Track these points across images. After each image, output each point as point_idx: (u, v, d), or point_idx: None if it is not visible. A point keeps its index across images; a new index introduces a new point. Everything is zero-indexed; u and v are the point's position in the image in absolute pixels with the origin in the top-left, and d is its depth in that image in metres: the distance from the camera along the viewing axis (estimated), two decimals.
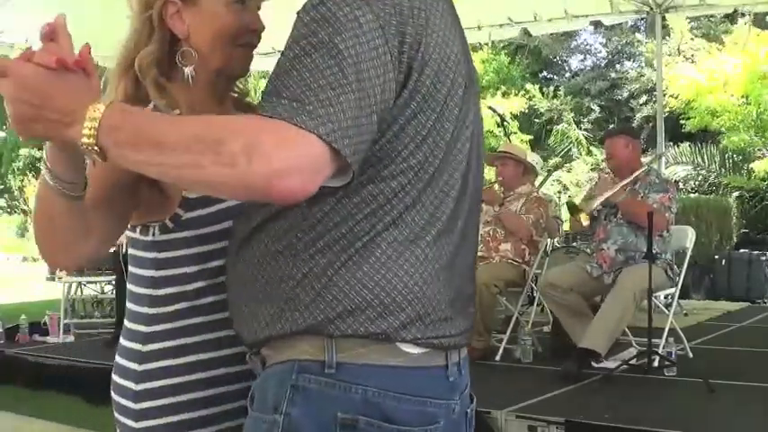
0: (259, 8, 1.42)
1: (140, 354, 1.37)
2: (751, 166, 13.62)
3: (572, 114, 18.61)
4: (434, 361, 1.18)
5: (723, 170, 14.31)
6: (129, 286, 1.43)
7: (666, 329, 4.82)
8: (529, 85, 18.76)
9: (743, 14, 9.82)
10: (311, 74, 1.03)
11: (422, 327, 1.15)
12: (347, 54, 1.04)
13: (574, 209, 5.09)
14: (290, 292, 1.14)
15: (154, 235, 1.37)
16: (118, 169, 1.22)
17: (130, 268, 1.43)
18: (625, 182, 4.93)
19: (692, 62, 14.86)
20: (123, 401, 1.38)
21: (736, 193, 13.41)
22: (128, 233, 1.41)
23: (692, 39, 15.59)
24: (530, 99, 18.33)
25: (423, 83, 1.13)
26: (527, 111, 18.37)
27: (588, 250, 5.37)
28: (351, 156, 1.04)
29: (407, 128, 1.13)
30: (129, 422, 1.37)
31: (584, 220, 4.94)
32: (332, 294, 1.12)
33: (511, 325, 5.41)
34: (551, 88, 19.34)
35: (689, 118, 14.32)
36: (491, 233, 5.50)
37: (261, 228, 1.18)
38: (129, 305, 1.43)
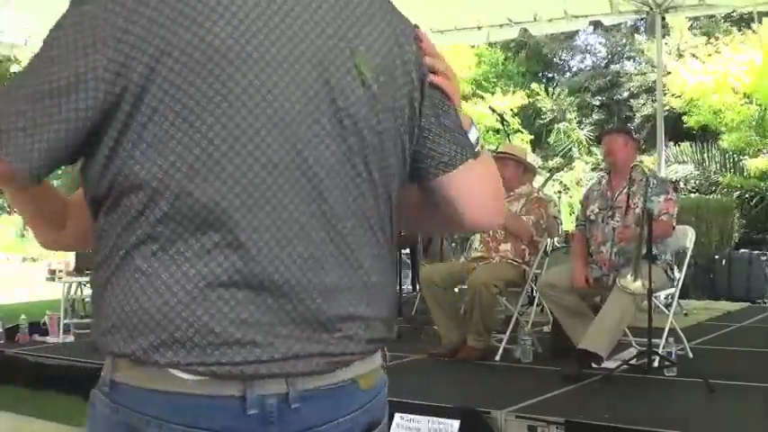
0: None
1: None
2: (744, 163, 13.61)
3: (575, 113, 18.59)
4: (220, 390, 1.07)
5: (723, 170, 14.29)
6: None
7: (666, 329, 4.82)
8: (534, 85, 18.72)
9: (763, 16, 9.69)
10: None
11: (182, 351, 1.06)
12: (44, 47, 1.07)
13: None
14: (92, 307, 1.17)
15: None
16: None
17: None
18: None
19: (697, 58, 14.84)
20: None
21: (736, 193, 13.38)
22: None
23: (693, 36, 15.57)
24: (533, 98, 18.29)
25: (153, 80, 1.05)
26: (528, 108, 18.34)
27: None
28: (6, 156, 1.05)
29: (144, 134, 1.06)
30: None
31: None
32: (102, 311, 1.12)
33: (511, 325, 5.41)
34: (556, 90, 19.31)
35: (691, 116, 14.29)
36: (491, 233, 5.50)
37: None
38: None
